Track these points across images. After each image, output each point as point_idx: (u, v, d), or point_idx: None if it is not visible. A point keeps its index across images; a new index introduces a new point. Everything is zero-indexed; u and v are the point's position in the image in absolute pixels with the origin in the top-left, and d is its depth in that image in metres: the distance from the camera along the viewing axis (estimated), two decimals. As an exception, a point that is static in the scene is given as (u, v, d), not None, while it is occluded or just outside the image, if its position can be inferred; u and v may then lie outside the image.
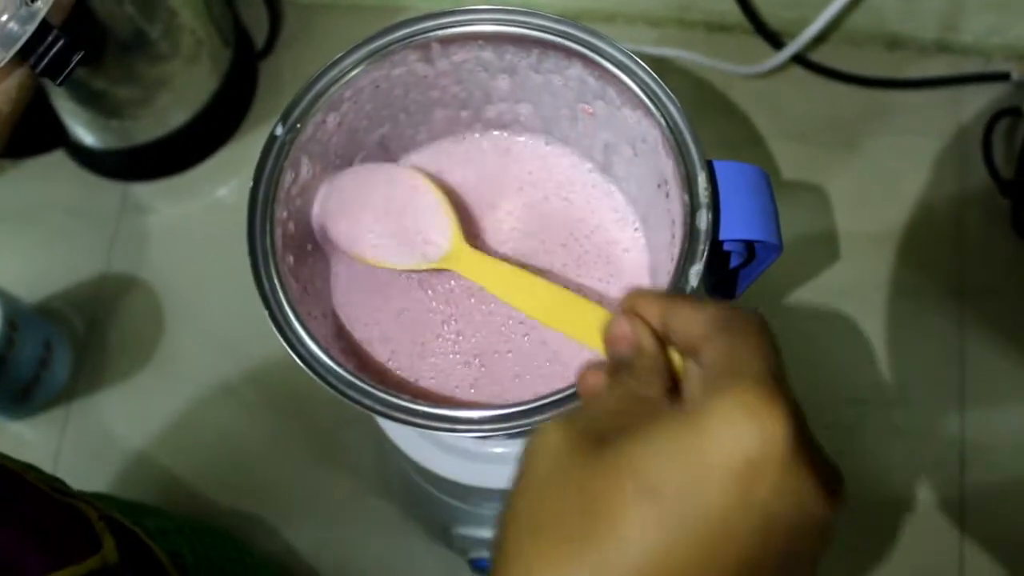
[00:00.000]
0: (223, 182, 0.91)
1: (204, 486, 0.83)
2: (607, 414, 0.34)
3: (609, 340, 0.37)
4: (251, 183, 0.47)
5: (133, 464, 0.84)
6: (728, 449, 0.30)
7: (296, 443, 0.83)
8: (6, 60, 0.43)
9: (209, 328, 0.87)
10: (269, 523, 0.81)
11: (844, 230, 0.84)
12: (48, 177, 0.93)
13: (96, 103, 0.85)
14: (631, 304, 0.37)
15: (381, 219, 0.53)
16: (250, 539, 0.80)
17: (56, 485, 0.54)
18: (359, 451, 0.81)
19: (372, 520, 0.80)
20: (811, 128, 0.88)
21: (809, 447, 0.31)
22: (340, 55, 0.50)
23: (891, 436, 0.79)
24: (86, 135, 0.89)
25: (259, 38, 0.95)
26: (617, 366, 0.36)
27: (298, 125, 0.49)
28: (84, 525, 0.51)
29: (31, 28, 0.43)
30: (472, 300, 0.54)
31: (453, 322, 0.54)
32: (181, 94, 0.88)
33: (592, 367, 0.37)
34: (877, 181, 0.86)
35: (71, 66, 0.45)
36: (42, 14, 0.43)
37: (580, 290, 0.54)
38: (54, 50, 0.44)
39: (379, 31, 0.49)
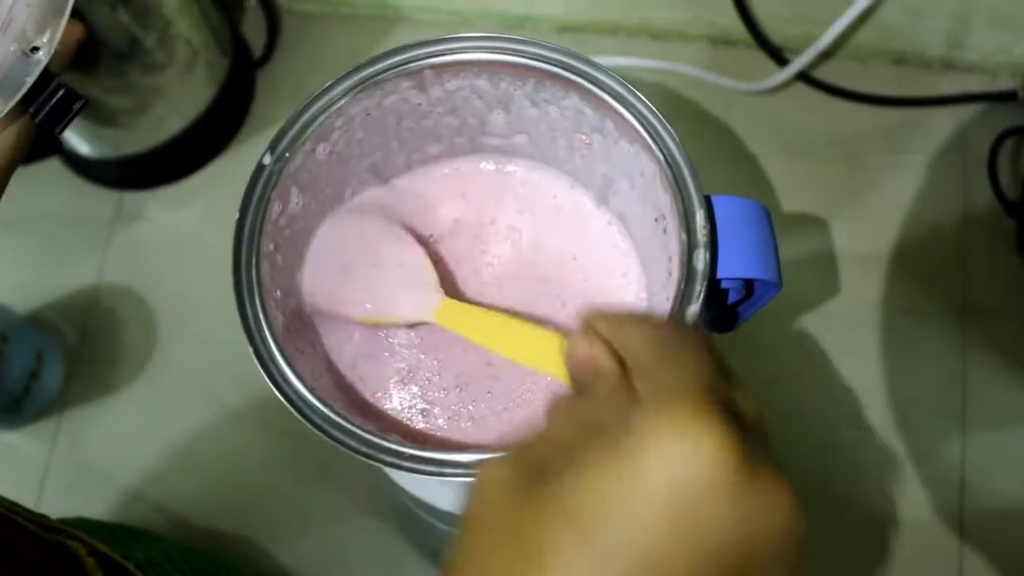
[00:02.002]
0: (219, 192, 0.90)
1: (195, 500, 0.82)
2: (557, 450, 0.31)
3: (569, 363, 0.35)
4: (237, 214, 0.46)
5: (124, 477, 0.83)
6: (658, 474, 0.27)
7: (289, 460, 0.82)
8: (5, 111, 0.42)
9: (203, 340, 0.86)
10: (261, 541, 0.80)
11: (845, 249, 0.83)
12: (42, 185, 0.92)
13: (90, 112, 0.84)
14: (588, 324, 0.35)
15: (364, 280, 0.53)
16: (241, 557, 0.79)
17: (43, 522, 0.53)
18: (352, 468, 0.80)
19: (365, 539, 0.79)
20: (813, 145, 0.87)
21: (752, 461, 0.28)
22: (330, 83, 0.48)
23: (891, 459, 0.78)
24: (80, 143, 0.88)
25: (257, 47, 0.94)
26: (579, 391, 0.35)
27: (287, 154, 0.48)
28: (75, 565, 0.50)
29: (32, 78, 0.42)
30: (452, 335, 0.53)
31: (438, 356, 0.53)
32: (176, 103, 0.87)
33: (557, 398, 0.35)
34: (880, 200, 0.85)
35: (72, 115, 0.44)
36: (43, 63, 0.42)
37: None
38: (55, 99, 0.43)
39: (370, 58, 0.48)
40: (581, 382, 0.35)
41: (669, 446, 0.28)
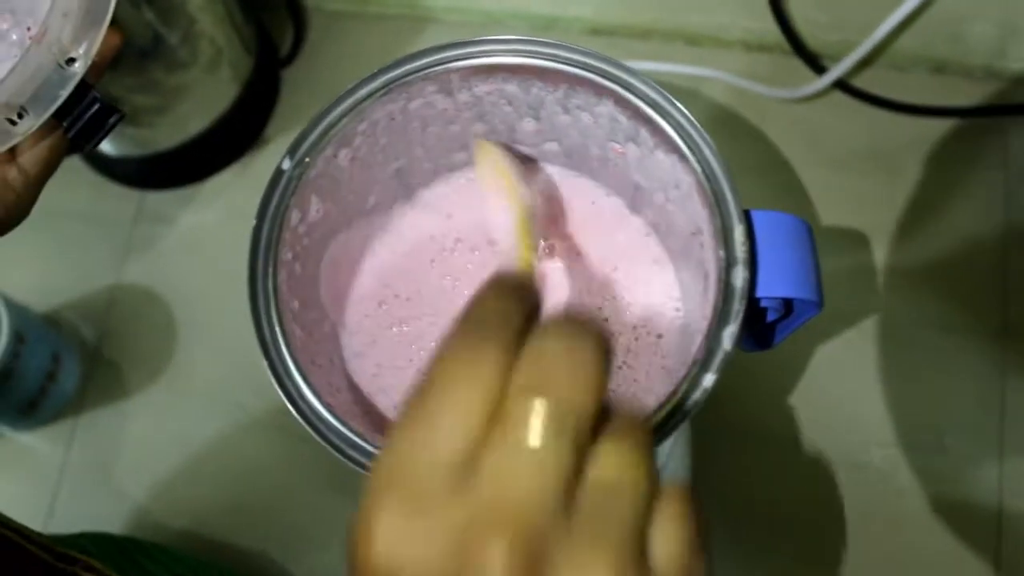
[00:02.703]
0: (242, 192, 0.89)
1: (211, 507, 0.81)
2: (442, 468, 0.25)
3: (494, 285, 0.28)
4: (254, 221, 0.44)
5: (139, 481, 0.82)
6: None
7: (307, 467, 0.80)
8: (37, 126, 0.40)
9: (223, 344, 0.85)
10: (277, 551, 0.79)
11: (881, 263, 0.81)
12: (62, 182, 0.89)
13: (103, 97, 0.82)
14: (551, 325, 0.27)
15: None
16: (256, 569, 0.77)
17: (55, 549, 0.52)
18: (371, 478, 0.78)
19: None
20: (850, 156, 0.84)
21: None
22: (352, 86, 0.46)
23: (925, 482, 0.76)
24: (104, 141, 0.87)
25: (283, 46, 0.93)
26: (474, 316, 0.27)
27: (307, 159, 0.46)
28: None
29: (66, 91, 0.40)
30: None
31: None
32: (200, 102, 0.86)
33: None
34: (918, 213, 0.82)
35: (107, 130, 0.42)
36: (78, 76, 0.41)
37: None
38: (90, 113, 0.42)
39: (395, 61, 0.46)
40: (479, 314, 0.27)
41: None
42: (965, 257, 0.81)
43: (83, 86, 0.41)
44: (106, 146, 0.87)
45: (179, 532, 0.79)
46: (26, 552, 0.49)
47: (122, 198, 0.90)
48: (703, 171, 0.43)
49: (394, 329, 0.51)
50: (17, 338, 0.76)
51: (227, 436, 0.82)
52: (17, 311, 0.78)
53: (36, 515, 0.81)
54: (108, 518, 0.80)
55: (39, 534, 0.53)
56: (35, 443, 0.84)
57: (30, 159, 0.44)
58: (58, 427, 0.84)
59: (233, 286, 0.84)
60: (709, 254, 0.44)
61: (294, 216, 0.46)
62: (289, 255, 0.46)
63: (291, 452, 0.80)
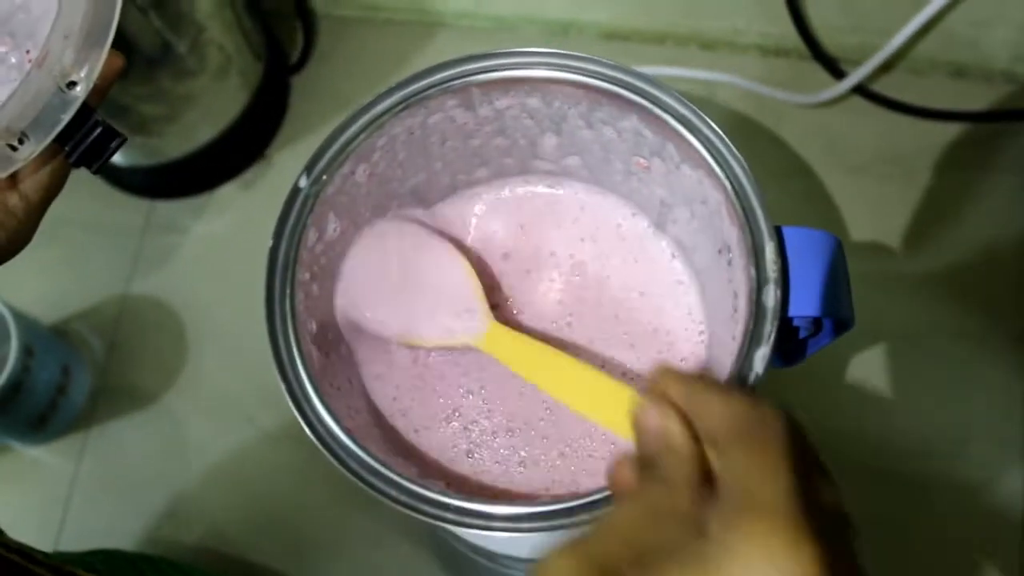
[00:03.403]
0: (252, 201, 0.88)
1: (223, 520, 0.80)
2: (623, 543, 0.30)
3: (637, 431, 0.34)
4: (270, 241, 0.43)
5: (150, 495, 0.81)
6: None
7: (321, 479, 0.79)
8: (39, 149, 0.39)
9: (233, 355, 0.84)
10: (290, 564, 0.77)
11: (901, 270, 0.80)
12: (70, 192, 0.88)
13: (120, 119, 0.81)
14: (659, 386, 0.34)
15: (404, 293, 0.49)
16: (269, 583, 0.76)
17: (64, 568, 0.50)
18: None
19: (397, 564, 0.76)
20: (868, 161, 0.83)
21: (838, 567, 0.28)
22: (370, 100, 0.45)
23: (949, 490, 0.75)
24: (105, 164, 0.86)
25: (293, 53, 0.91)
26: (646, 462, 0.33)
27: (324, 177, 0.45)
28: None
29: (68, 116, 0.39)
30: (502, 368, 0.50)
31: (488, 392, 0.50)
32: (209, 110, 0.85)
33: (622, 461, 0.34)
34: (937, 219, 0.81)
35: (109, 154, 0.41)
36: (80, 100, 0.39)
37: (626, 368, 0.49)
38: (91, 137, 0.41)
39: (413, 75, 0.45)
40: (649, 453, 0.33)
41: (758, 571, 0.27)
42: (984, 263, 0.80)
43: (85, 110, 0.40)
44: (115, 156, 0.86)
45: (191, 546, 0.78)
46: (31, 574, 0.48)
47: (131, 208, 0.89)
48: (732, 188, 0.42)
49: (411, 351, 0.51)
50: (27, 351, 0.75)
51: (239, 449, 0.81)
52: (26, 324, 0.77)
53: (47, 530, 0.80)
54: (120, 532, 0.79)
55: (45, 554, 0.52)
56: (46, 457, 0.83)
57: (32, 185, 0.43)
58: (68, 440, 0.83)
59: (244, 297, 0.83)
60: (738, 273, 0.43)
61: (311, 235, 0.45)
62: (307, 275, 0.44)
63: (303, 465, 0.79)
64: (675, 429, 0.32)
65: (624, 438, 0.38)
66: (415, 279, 0.49)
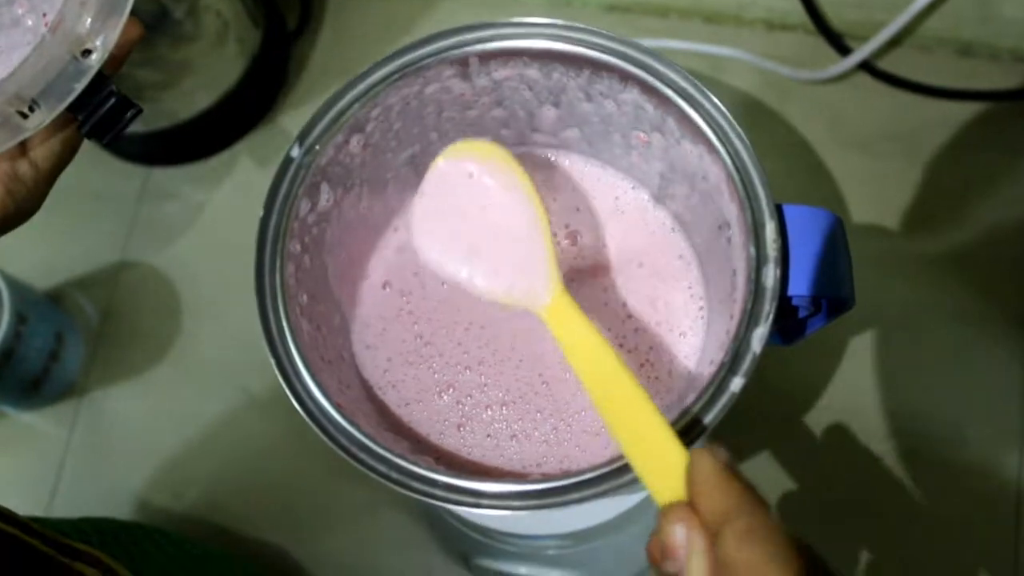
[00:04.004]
0: (249, 170, 0.87)
1: (216, 490, 0.79)
2: None
3: (662, 540, 0.33)
4: (261, 211, 0.42)
5: (143, 463, 0.80)
6: None
7: (314, 449, 0.78)
8: (51, 118, 0.39)
9: (228, 324, 0.83)
10: (282, 533, 0.77)
11: (903, 250, 0.79)
12: None
13: (116, 84, 0.80)
14: (698, 488, 0.33)
15: (475, 230, 0.45)
16: (261, 553, 0.76)
17: (59, 541, 0.50)
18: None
19: (390, 534, 0.76)
20: (872, 139, 0.82)
21: None
22: (366, 69, 0.44)
23: (943, 474, 0.75)
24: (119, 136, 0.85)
25: (291, 19, 0.90)
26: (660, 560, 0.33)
27: (317, 147, 0.44)
28: None
29: (81, 85, 0.38)
30: (496, 350, 0.49)
31: (483, 363, 0.49)
32: (206, 77, 0.84)
33: (655, 542, 0.34)
34: (941, 199, 0.80)
35: (123, 125, 0.40)
36: (95, 69, 0.39)
37: (623, 340, 0.48)
38: (105, 108, 0.40)
39: (411, 44, 0.44)
40: (664, 569, 0.33)
41: None
42: (987, 245, 0.79)
43: (100, 79, 0.39)
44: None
45: (183, 514, 0.78)
46: (25, 546, 0.47)
47: (127, 174, 0.89)
48: (733, 164, 0.41)
49: (404, 318, 0.50)
50: (18, 318, 0.75)
51: (232, 417, 0.81)
52: (19, 290, 0.76)
53: (39, 496, 0.80)
54: (112, 500, 0.79)
55: (40, 523, 0.52)
56: (38, 423, 0.83)
57: (42, 153, 0.42)
58: (62, 407, 0.82)
59: (239, 265, 0.83)
60: (737, 251, 0.42)
61: (303, 206, 0.44)
62: (297, 247, 0.44)
63: (297, 435, 0.79)
64: (697, 566, 0.32)
65: (647, 487, 0.36)
66: (486, 219, 0.45)
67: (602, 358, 0.40)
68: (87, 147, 0.87)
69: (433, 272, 0.46)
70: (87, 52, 0.39)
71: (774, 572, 0.30)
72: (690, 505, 0.33)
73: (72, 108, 0.39)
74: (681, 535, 0.32)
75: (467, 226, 0.44)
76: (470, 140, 0.45)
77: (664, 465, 0.34)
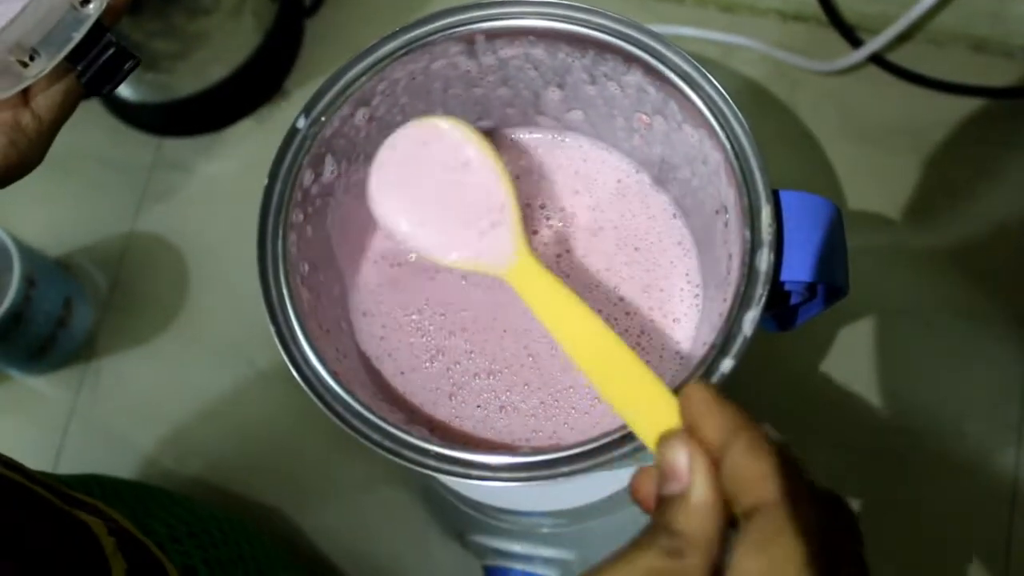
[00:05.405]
0: (260, 143, 0.88)
1: (219, 459, 0.80)
2: None
3: (659, 461, 0.32)
4: (266, 180, 0.43)
5: (147, 430, 0.81)
6: None
7: (318, 422, 0.78)
8: (49, 68, 0.39)
9: (235, 295, 0.84)
10: (283, 503, 0.78)
11: (906, 245, 0.79)
12: (79, 125, 0.88)
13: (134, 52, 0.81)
14: (694, 418, 0.32)
15: (434, 197, 0.43)
16: (261, 519, 0.77)
17: (61, 490, 0.51)
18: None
19: (387, 509, 0.77)
20: (881, 132, 0.82)
21: None
22: (373, 43, 0.45)
23: (941, 468, 0.75)
24: (121, 86, 0.85)
25: (307, -5, 0.91)
26: (661, 503, 0.32)
27: (323, 118, 0.44)
28: (93, 547, 0.48)
29: (80, 33, 0.39)
30: (477, 318, 0.50)
31: (473, 333, 0.50)
32: (221, 49, 0.84)
33: (645, 474, 0.33)
34: (946, 194, 0.80)
35: (122, 76, 0.41)
36: (93, 18, 0.39)
37: (613, 325, 0.49)
38: (104, 57, 0.40)
39: (418, 19, 0.45)
40: (667, 494, 0.32)
41: None
42: (992, 241, 0.79)
43: (98, 28, 0.40)
44: (125, 91, 0.86)
45: (186, 480, 0.79)
46: (30, 493, 0.48)
47: (140, 144, 0.89)
48: (732, 148, 0.42)
49: (398, 287, 0.50)
50: (28, 282, 0.75)
51: (237, 388, 0.82)
52: (29, 254, 0.77)
53: (44, 460, 0.81)
54: (116, 465, 0.79)
55: (45, 474, 0.53)
56: (44, 388, 0.84)
57: (44, 103, 0.43)
58: (68, 372, 0.83)
59: (247, 237, 0.83)
60: (733, 235, 0.42)
61: (307, 176, 0.45)
62: (300, 217, 0.44)
63: (299, 406, 0.78)
64: (701, 483, 0.31)
65: (642, 440, 0.35)
66: (445, 181, 0.43)
67: (573, 312, 0.40)
68: (101, 116, 0.88)
69: (400, 243, 0.45)
70: (85, 1, 0.39)
71: (784, 479, 0.30)
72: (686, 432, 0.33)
73: (71, 58, 0.40)
74: (684, 456, 0.31)
75: (424, 194, 0.43)
76: (428, 116, 0.44)
77: (653, 408, 0.34)
